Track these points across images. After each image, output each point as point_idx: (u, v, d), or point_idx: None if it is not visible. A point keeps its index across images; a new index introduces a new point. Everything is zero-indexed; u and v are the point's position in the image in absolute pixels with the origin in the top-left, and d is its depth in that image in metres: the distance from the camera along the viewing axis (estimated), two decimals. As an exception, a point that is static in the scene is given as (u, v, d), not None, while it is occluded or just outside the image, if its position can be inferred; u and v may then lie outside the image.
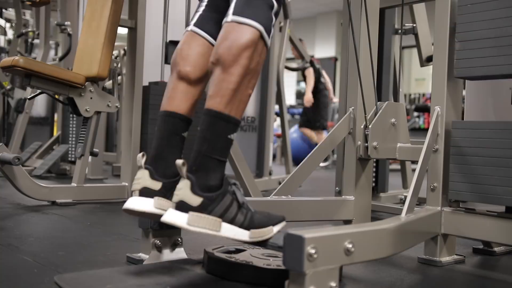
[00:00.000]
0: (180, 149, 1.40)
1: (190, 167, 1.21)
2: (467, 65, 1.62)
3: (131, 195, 1.35)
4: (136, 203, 1.32)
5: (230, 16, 1.29)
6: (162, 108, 1.42)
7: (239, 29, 1.26)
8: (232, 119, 1.24)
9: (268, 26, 1.30)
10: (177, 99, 1.41)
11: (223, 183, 1.23)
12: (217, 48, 1.27)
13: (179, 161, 1.17)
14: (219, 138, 1.23)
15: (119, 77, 4.28)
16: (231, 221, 1.23)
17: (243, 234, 1.25)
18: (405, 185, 3.29)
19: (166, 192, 1.33)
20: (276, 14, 1.34)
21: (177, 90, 1.42)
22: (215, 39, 1.36)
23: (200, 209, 1.18)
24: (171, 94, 1.42)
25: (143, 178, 1.33)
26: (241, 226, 1.25)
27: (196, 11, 1.49)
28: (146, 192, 1.33)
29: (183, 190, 1.18)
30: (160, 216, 1.25)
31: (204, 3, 1.48)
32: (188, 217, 1.17)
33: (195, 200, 1.18)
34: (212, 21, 1.44)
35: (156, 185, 1.33)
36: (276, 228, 1.31)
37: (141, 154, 1.33)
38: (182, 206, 1.18)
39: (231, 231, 1.23)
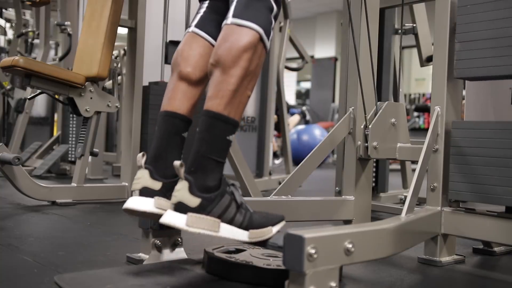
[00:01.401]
0: (180, 149, 1.41)
1: (188, 168, 1.21)
2: (467, 66, 1.62)
3: (131, 195, 1.35)
4: (136, 203, 1.32)
5: (230, 19, 1.30)
6: (163, 108, 1.42)
7: (239, 31, 1.27)
8: (231, 120, 1.24)
9: (268, 29, 1.30)
10: (177, 100, 1.41)
11: (221, 184, 1.23)
12: (217, 49, 1.27)
13: (176, 162, 1.17)
14: (218, 139, 1.23)
15: (119, 77, 4.28)
16: (230, 222, 1.23)
17: (242, 235, 1.25)
18: (405, 185, 3.29)
19: (166, 192, 1.33)
20: (276, 17, 1.35)
21: (177, 91, 1.42)
22: (216, 40, 1.36)
23: (198, 210, 1.18)
24: (171, 94, 1.42)
25: (143, 178, 1.33)
26: (240, 226, 1.25)
27: (197, 13, 1.50)
28: (146, 192, 1.33)
29: (181, 191, 1.18)
30: (160, 216, 1.26)
31: (205, 5, 1.49)
32: (187, 218, 1.17)
33: (194, 201, 1.18)
34: (213, 23, 1.45)
35: (156, 185, 1.34)
36: (275, 228, 1.31)
37: (141, 154, 1.33)
38: (181, 207, 1.18)
39: (229, 232, 1.23)
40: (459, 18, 1.65)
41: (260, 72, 1.34)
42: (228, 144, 1.25)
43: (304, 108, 9.96)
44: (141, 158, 1.34)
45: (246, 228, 1.25)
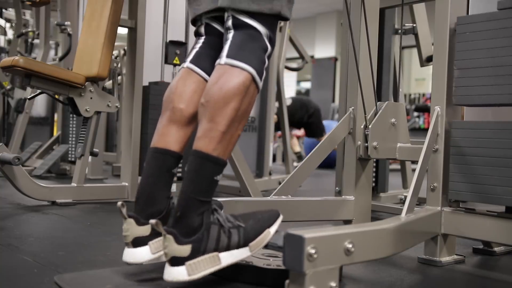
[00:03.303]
0: (169, 186, 1.39)
1: (175, 212, 1.21)
2: (466, 93, 1.63)
3: (126, 246, 1.33)
4: (134, 256, 1.32)
5: (223, 59, 1.29)
6: (153, 144, 1.39)
7: (232, 71, 1.26)
8: (220, 161, 1.24)
9: (261, 69, 1.30)
10: (169, 136, 1.39)
11: (203, 218, 1.21)
12: (208, 90, 1.26)
13: (152, 221, 1.16)
14: (205, 180, 1.22)
15: (119, 77, 4.28)
16: (227, 248, 1.23)
17: (243, 253, 1.26)
18: (405, 185, 3.29)
19: (158, 232, 1.32)
20: (269, 57, 1.35)
21: (169, 128, 1.40)
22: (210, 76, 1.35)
23: (193, 255, 1.18)
24: (163, 131, 1.40)
25: (131, 229, 1.32)
26: (238, 246, 1.25)
27: (193, 48, 1.48)
28: (138, 242, 1.32)
29: (169, 246, 1.17)
30: (161, 256, 1.26)
31: (201, 40, 1.48)
32: (187, 269, 1.17)
33: (185, 250, 1.18)
34: (208, 58, 1.44)
35: (146, 231, 1.32)
36: (273, 229, 1.31)
37: (120, 203, 1.30)
38: (176, 261, 1.18)
39: (231, 257, 1.24)
40: (458, 45, 1.66)
41: (251, 111, 1.34)
42: (215, 184, 1.24)
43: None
44: (122, 208, 1.30)
45: (244, 244, 1.26)
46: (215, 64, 1.32)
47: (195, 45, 1.49)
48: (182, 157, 1.41)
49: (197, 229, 1.20)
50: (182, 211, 1.20)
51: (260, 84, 1.31)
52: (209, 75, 1.39)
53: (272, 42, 1.35)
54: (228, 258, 1.23)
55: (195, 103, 1.39)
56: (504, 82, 1.54)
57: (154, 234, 1.32)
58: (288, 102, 5.96)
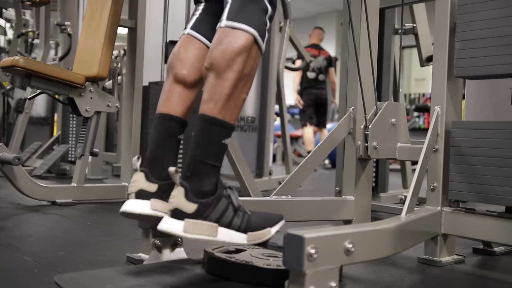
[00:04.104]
0: (175, 152, 1.40)
1: (184, 173, 1.21)
2: (467, 65, 1.62)
3: (127, 198, 1.35)
4: (133, 205, 1.32)
5: (224, 21, 1.29)
6: (158, 110, 1.41)
7: (233, 34, 1.26)
8: (226, 124, 1.24)
9: (262, 31, 1.30)
10: (173, 102, 1.40)
11: (217, 188, 1.22)
12: (211, 53, 1.27)
13: (171, 169, 1.16)
14: (213, 143, 1.22)
15: (119, 77, 4.28)
16: (228, 225, 1.23)
17: (240, 238, 1.25)
18: (405, 185, 3.29)
19: (162, 194, 1.33)
20: (271, 18, 1.34)
21: (173, 93, 1.41)
22: (211, 42, 1.36)
23: (195, 215, 1.18)
24: (167, 96, 1.42)
25: (139, 181, 1.33)
26: (238, 229, 1.25)
27: (193, 15, 1.49)
28: (142, 195, 1.33)
29: (177, 197, 1.18)
30: (157, 218, 1.25)
31: (201, 7, 1.48)
32: (184, 225, 1.17)
33: (190, 207, 1.18)
34: (208, 25, 1.44)
35: (152, 187, 1.33)
36: (274, 229, 1.31)
37: (136, 157, 1.33)
38: (178, 214, 1.18)
39: (228, 235, 1.23)
40: (459, 17, 1.65)
41: (255, 73, 1.34)
42: (224, 148, 1.24)
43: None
44: (136, 161, 1.33)
45: (244, 230, 1.25)
46: (216, 28, 1.31)
47: (195, 12, 1.49)
48: (187, 123, 1.42)
49: (208, 194, 1.20)
50: (191, 171, 1.20)
51: (263, 45, 1.30)
52: (210, 41, 1.40)
53: (273, 3, 1.35)
54: (225, 235, 1.22)
55: (197, 68, 1.40)
56: (506, 52, 1.52)
57: (159, 194, 1.32)
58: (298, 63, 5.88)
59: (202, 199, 1.19)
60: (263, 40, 1.30)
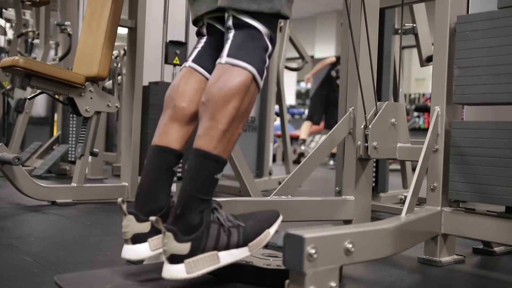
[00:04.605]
0: (169, 184, 1.39)
1: (175, 210, 1.20)
2: (466, 92, 1.63)
3: (125, 243, 1.33)
4: (133, 253, 1.32)
5: (224, 58, 1.29)
6: (154, 142, 1.40)
7: (232, 71, 1.26)
8: (220, 159, 1.24)
9: (261, 69, 1.30)
10: (170, 134, 1.39)
11: (204, 217, 1.21)
12: (209, 88, 1.26)
13: (152, 218, 1.15)
14: (206, 178, 1.22)
15: (119, 77, 4.28)
16: (226, 247, 1.23)
17: (243, 252, 1.26)
18: (405, 185, 3.29)
19: (157, 229, 1.31)
20: (270, 56, 1.35)
21: (171, 126, 1.40)
22: None
23: (192, 253, 1.18)
24: (164, 129, 1.40)
25: (131, 225, 1.32)
26: (237, 246, 1.25)
27: (195, 48, 1.49)
28: (138, 238, 1.32)
29: (169, 243, 1.17)
30: (161, 254, 1.25)
31: (203, 40, 1.48)
32: (185, 267, 1.17)
33: (184, 248, 1.17)
34: (210, 57, 1.44)
35: (145, 227, 1.32)
36: (272, 229, 1.31)
37: (121, 199, 1.30)
38: (175, 259, 1.17)
39: (230, 256, 1.23)
40: (458, 44, 1.66)
41: (252, 110, 1.34)
42: (215, 182, 1.24)
43: None
44: (122, 205, 1.30)
45: (244, 244, 1.26)
46: (215, 64, 1.32)
47: (197, 45, 1.49)
48: (182, 155, 1.41)
49: (197, 227, 1.20)
50: (182, 208, 1.20)
51: (261, 83, 1.31)
52: (211, 74, 1.39)
53: (273, 41, 1.36)
54: (227, 257, 1.23)
55: (197, 102, 1.40)
56: (504, 80, 1.54)
57: (154, 231, 1.32)
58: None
59: (192, 234, 1.19)
60: (261, 77, 1.30)
